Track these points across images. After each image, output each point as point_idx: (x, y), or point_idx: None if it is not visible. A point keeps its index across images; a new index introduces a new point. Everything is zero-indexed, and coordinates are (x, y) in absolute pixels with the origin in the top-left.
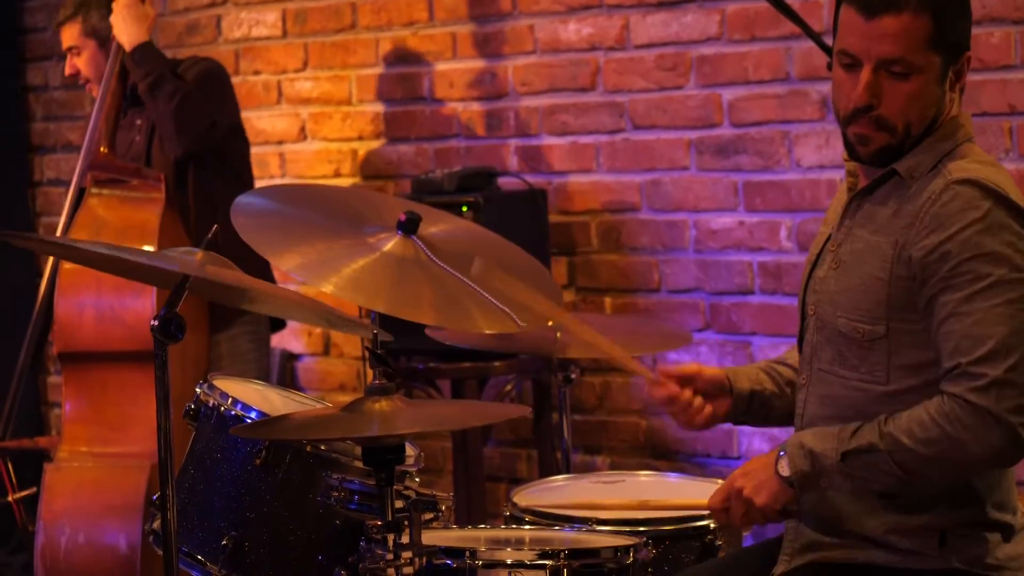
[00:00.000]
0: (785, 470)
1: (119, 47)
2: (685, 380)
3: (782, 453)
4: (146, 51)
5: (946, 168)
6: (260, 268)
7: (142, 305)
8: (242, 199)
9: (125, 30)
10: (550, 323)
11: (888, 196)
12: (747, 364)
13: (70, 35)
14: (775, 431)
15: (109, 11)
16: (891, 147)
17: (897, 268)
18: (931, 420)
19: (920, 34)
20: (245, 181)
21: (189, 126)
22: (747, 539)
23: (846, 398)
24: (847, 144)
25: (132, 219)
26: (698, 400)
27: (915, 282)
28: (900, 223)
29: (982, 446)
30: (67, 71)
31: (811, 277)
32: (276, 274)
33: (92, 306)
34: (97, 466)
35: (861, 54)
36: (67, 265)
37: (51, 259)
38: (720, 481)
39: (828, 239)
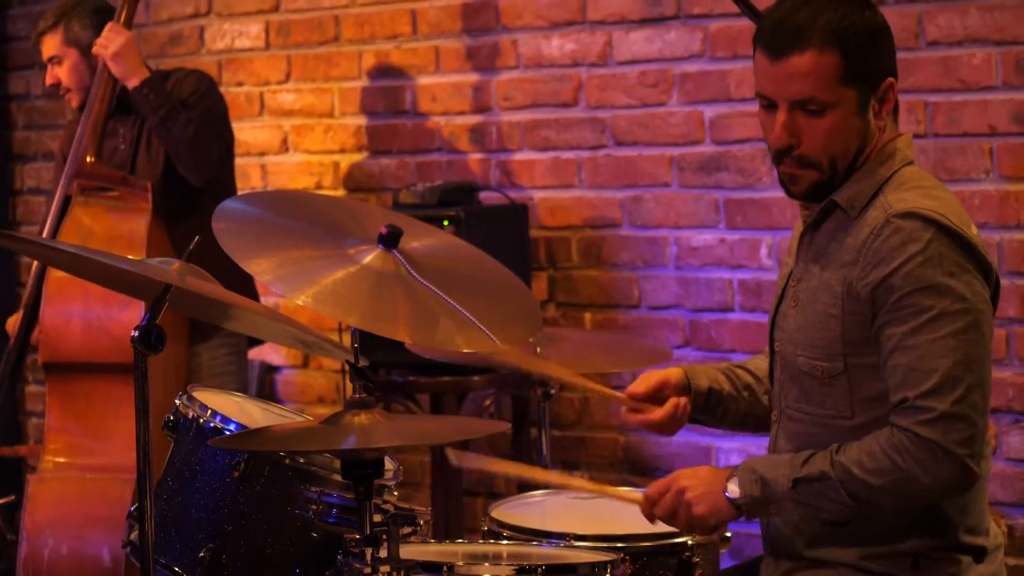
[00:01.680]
0: (735, 492)
1: None
2: (658, 394)
3: (734, 474)
4: (153, 86)
5: (886, 199)
6: (242, 283)
7: (129, 316)
8: (226, 204)
9: (129, 69)
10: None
11: (835, 230)
12: (703, 364)
13: (52, 45)
14: (753, 449)
15: (91, 21)
16: (821, 183)
17: (848, 304)
18: (881, 451)
19: (828, 70)
20: (230, 193)
21: (207, 155)
22: (724, 557)
23: (815, 435)
24: (781, 183)
25: (119, 229)
26: (681, 402)
27: (867, 317)
28: (846, 259)
29: (932, 478)
30: (48, 81)
31: (777, 313)
32: (259, 288)
33: (79, 316)
34: (81, 477)
35: (774, 95)
36: (55, 274)
37: (34, 268)
38: None
39: (790, 274)
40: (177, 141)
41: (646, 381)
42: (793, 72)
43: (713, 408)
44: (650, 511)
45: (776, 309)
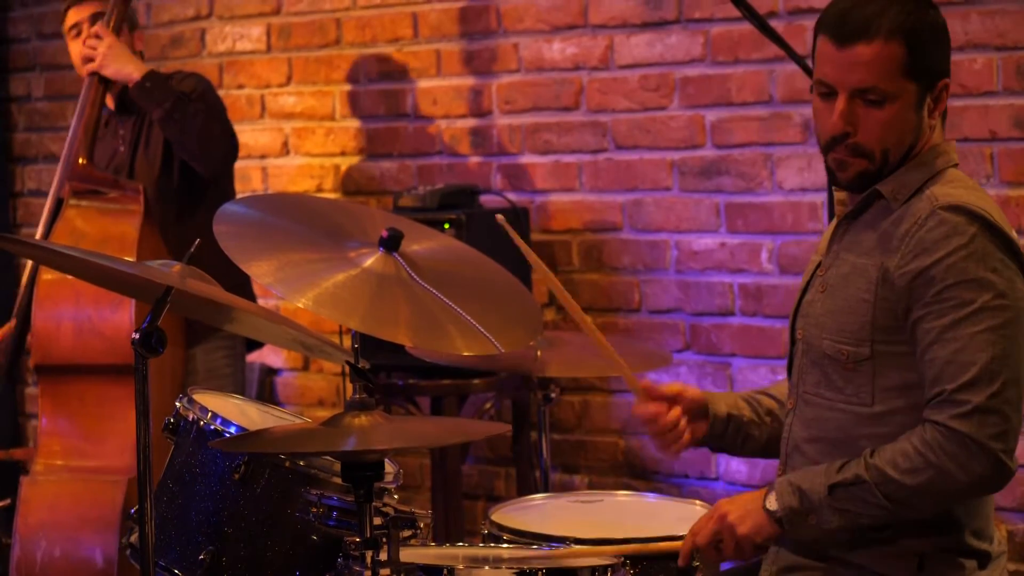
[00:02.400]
0: (773, 504)
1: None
2: (670, 399)
3: (771, 489)
4: (155, 80)
5: (932, 193)
6: (240, 285)
7: (120, 318)
8: (227, 207)
9: (126, 66)
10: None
11: (875, 220)
12: (728, 391)
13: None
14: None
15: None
16: (869, 173)
17: (882, 290)
18: (914, 450)
19: (893, 62)
20: (228, 195)
21: (215, 146)
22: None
23: (832, 420)
24: (828, 170)
25: (111, 231)
26: (683, 421)
27: (900, 305)
28: (886, 246)
29: (966, 474)
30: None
31: (801, 303)
32: (257, 291)
33: (70, 318)
34: (74, 480)
35: (836, 83)
36: (46, 276)
37: (28, 270)
38: (697, 502)
39: (818, 266)
40: (185, 131)
41: (666, 385)
42: (858, 60)
43: (733, 435)
44: (692, 541)
45: (800, 299)
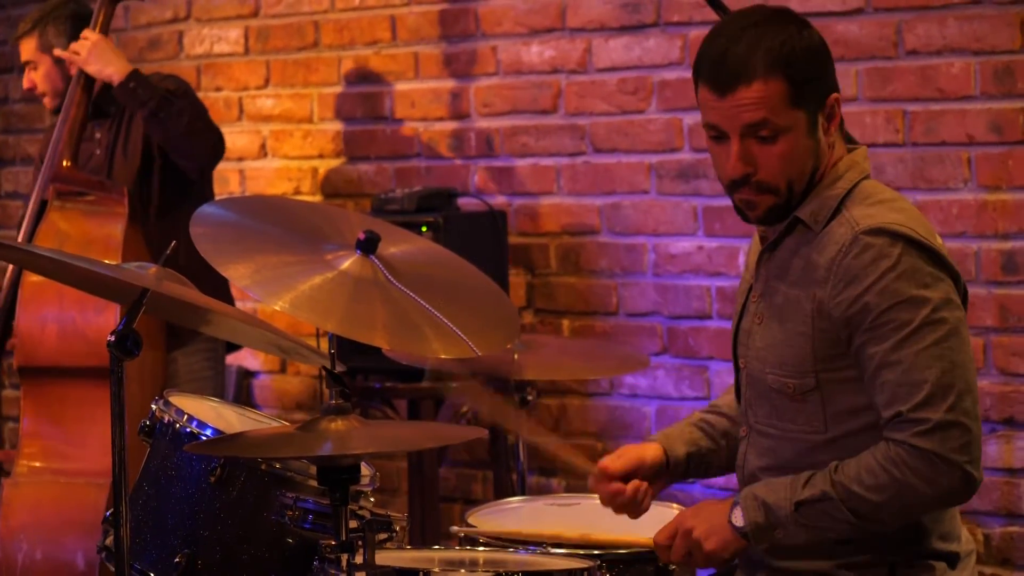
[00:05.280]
0: (739, 520)
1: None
2: (628, 476)
3: (736, 503)
4: (139, 79)
5: (851, 215)
6: (218, 288)
7: (105, 320)
8: (204, 209)
9: (110, 65)
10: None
11: (797, 246)
12: (678, 423)
13: (27, 49)
14: None
15: (67, 28)
16: (778, 206)
17: (819, 322)
18: (879, 467)
19: (777, 96)
20: (208, 198)
21: (203, 142)
22: None
23: (787, 449)
24: (736, 209)
25: (95, 233)
26: (642, 489)
27: (841, 334)
28: (815, 276)
29: (933, 488)
30: (25, 85)
31: (739, 329)
32: (235, 293)
33: (54, 320)
34: (55, 482)
35: (724, 127)
36: (31, 278)
37: (9, 272)
38: (674, 505)
39: (750, 289)
40: (172, 130)
41: (623, 456)
42: (742, 103)
43: (696, 469)
44: (667, 559)
45: (738, 325)
